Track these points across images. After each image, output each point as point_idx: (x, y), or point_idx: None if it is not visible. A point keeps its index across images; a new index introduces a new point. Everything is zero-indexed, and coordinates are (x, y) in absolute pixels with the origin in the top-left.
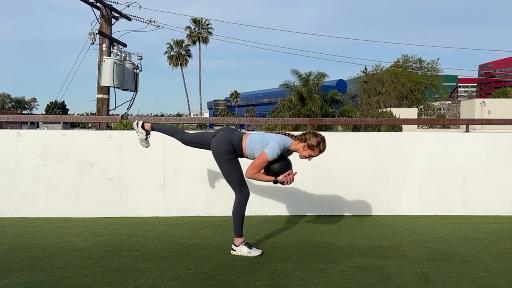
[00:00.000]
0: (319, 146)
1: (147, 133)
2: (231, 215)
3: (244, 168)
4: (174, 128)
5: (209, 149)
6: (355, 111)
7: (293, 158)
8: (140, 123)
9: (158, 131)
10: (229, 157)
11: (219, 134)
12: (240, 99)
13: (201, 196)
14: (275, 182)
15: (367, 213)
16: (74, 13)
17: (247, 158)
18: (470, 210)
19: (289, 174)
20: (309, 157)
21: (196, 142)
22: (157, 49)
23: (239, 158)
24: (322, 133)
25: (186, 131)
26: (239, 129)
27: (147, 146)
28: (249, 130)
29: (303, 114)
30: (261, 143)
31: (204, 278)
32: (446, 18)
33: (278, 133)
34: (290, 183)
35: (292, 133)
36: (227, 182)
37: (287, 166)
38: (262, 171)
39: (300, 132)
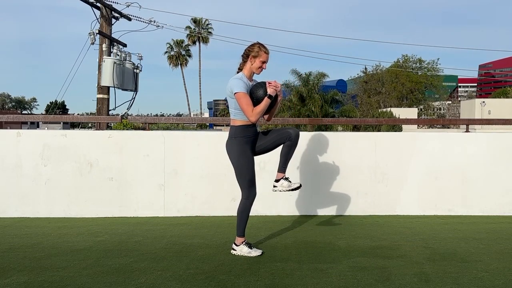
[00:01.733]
0: (261, 49)
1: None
2: (232, 215)
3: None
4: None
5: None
6: (355, 111)
7: (293, 159)
8: (274, 183)
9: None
10: (241, 148)
11: (226, 143)
12: None
13: (201, 196)
14: (270, 97)
15: (367, 213)
16: (74, 13)
17: (248, 122)
18: (470, 210)
19: (270, 83)
20: (262, 64)
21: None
22: (157, 49)
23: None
24: (324, 137)
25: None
26: None
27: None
28: None
29: (303, 114)
30: (231, 98)
31: (204, 278)
32: (446, 18)
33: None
34: (278, 86)
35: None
36: (237, 180)
37: (262, 83)
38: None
39: (300, 134)
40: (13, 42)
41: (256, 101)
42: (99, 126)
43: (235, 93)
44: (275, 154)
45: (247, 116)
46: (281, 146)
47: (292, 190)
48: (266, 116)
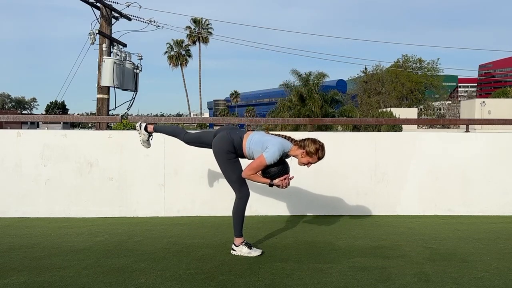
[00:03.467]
0: (318, 153)
1: (150, 134)
2: (231, 215)
3: (243, 167)
4: (176, 128)
5: (211, 148)
6: (355, 111)
7: (291, 160)
8: (143, 125)
9: (160, 132)
10: (229, 157)
11: (220, 134)
12: (240, 99)
13: (201, 196)
14: (271, 185)
15: (367, 213)
16: (74, 13)
17: (247, 158)
18: (470, 210)
19: (285, 179)
20: (308, 163)
21: (198, 141)
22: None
23: (240, 158)
24: (324, 137)
25: (188, 131)
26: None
27: (148, 147)
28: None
29: (303, 114)
30: (260, 146)
31: (204, 278)
32: (446, 18)
33: (278, 135)
34: (286, 187)
35: (292, 136)
36: (227, 181)
37: (285, 170)
38: (259, 173)
39: (301, 134)
40: (13, 42)
41: (263, 170)
42: (99, 126)
43: (263, 153)
44: None
45: (245, 169)
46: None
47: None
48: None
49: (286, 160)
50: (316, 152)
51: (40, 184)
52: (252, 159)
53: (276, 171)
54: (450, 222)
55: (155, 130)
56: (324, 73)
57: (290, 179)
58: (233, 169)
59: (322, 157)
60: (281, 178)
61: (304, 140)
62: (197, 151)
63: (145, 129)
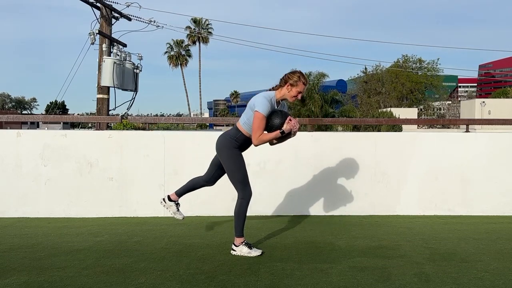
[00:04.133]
0: (301, 79)
1: (176, 203)
2: (231, 215)
3: (246, 170)
4: (193, 179)
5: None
6: (355, 111)
7: (293, 159)
8: (166, 197)
9: (184, 192)
10: (232, 151)
11: (218, 139)
12: (240, 99)
13: (201, 196)
14: (282, 134)
15: (367, 213)
16: (74, 13)
17: (248, 135)
18: (470, 210)
19: (290, 120)
20: (298, 94)
21: (213, 171)
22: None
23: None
24: (324, 137)
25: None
26: None
27: (183, 217)
28: None
29: (303, 114)
30: (250, 110)
31: (204, 278)
32: (446, 18)
33: None
34: (296, 128)
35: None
36: (230, 181)
37: (285, 114)
38: (266, 132)
39: (301, 134)
40: (13, 42)
41: (269, 127)
42: (99, 126)
43: (255, 110)
44: (275, 154)
45: (252, 137)
46: (283, 145)
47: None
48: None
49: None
50: (299, 79)
51: (40, 184)
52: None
53: (279, 120)
54: (450, 222)
55: (179, 194)
56: (324, 73)
57: (295, 119)
58: (238, 167)
59: (306, 82)
60: (287, 121)
61: (282, 78)
62: (197, 151)
63: (169, 199)
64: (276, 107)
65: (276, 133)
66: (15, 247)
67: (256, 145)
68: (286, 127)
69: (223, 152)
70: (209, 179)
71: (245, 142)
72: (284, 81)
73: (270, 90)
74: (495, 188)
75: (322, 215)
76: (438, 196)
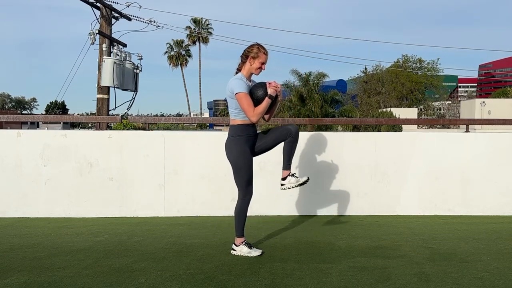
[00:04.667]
0: (260, 50)
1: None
2: (232, 215)
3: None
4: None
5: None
6: (355, 111)
7: (293, 158)
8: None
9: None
10: (240, 148)
11: (225, 145)
12: None
13: (201, 196)
14: (271, 98)
15: (367, 213)
16: (74, 13)
17: (248, 122)
18: (470, 210)
19: (270, 83)
20: (261, 65)
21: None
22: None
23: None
24: (324, 137)
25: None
26: None
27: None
28: None
29: (303, 114)
30: (231, 98)
31: (204, 278)
32: (446, 18)
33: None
34: (279, 87)
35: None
36: (235, 179)
37: (262, 84)
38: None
39: (301, 134)
40: (13, 42)
41: (256, 102)
42: (99, 126)
43: (236, 93)
44: (274, 154)
45: (248, 116)
46: (281, 145)
47: (301, 184)
48: (266, 116)
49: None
50: (258, 50)
51: (40, 184)
52: (244, 116)
53: (261, 91)
54: (450, 222)
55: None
56: (324, 73)
57: (272, 83)
58: (245, 166)
59: (267, 52)
60: (268, 87)
61: (241, 55)
62: (197, 151)
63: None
64: (250, 85)
65: (266, 100)
66: (15, 247)
67: (256, 121)
68: (270, 91)
69: (231, 152)
70: (246, 194)
71: (247, 131)
72: (245, 56)
73: (235, 74)
74: (495, 188)
75: (322, 215)
76: (438, 196)
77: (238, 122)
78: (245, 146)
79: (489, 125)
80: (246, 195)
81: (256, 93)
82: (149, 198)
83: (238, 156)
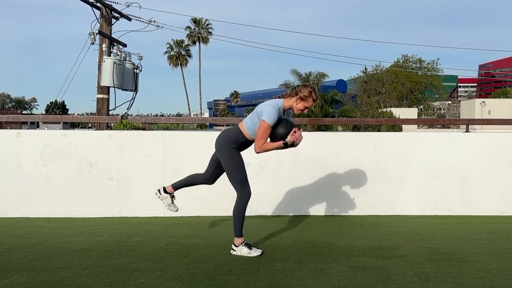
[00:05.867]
0: (312, 95)
1: (171, 195)
2: (231, 215)
3: (246, 168)
4: (192, 175)
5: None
6: (355, 111)
7: (293, 159)
8: (161, 188)
9: (181, 186)
10: (231, 152)
11: (218, 137)
12: (240, 99)
13: (201, 196)
14: (285, 145)
15: (367, 213)
16: (74, 13)
17: (252, 141)
18: (470, 210)
19: (295, 132)
20: (304, 109)
21: (212, 169)
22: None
23: (243, 159)
24: (324, 137)
25: (200, 173)
26: None
27: (177, 210)
28: None
29: (303, 114)
30: (256, 116)
31: (204, 278)
32: (446, 18)
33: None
34: (300, 140)
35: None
36: (229, 181)
37: (290, 125)
38: (269, 140)
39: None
40: (13, 42)
41: (272, 135)
42: (99, 126)
43: (262, 119)
44: (274, 154)
45: (255, 144)
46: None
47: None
48: (257, 146)
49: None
50: (310, 94)
51: (40, 184)
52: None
53: (283, 130)
54: (450, 222)
55: (175, 188)
56: (324, 73)
57: (300, 131)
58: (237, 167)
59: (316, 98)
60: (291, 133)
61: (294, 88)
62: (197, 151)
63: (165, 191)
64: (282, 115)
65: (279, 143)
66: (15, 247)
67: (257, 153)
68: (289, 138)
69: (222, 152)
70: (208, 177)
71: (245, 144)
72: (295, 92)
73: (279, 97)
74: (495, 188)
75: (322, 215)
76: (438, 196)
77: (245, 134)
78: (236, 151)
79: (489, 125)
80: (243, 195)
81: (278, 129)
82: (149, 198)
83: (228, 159)
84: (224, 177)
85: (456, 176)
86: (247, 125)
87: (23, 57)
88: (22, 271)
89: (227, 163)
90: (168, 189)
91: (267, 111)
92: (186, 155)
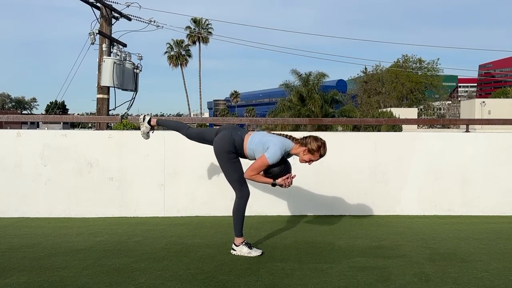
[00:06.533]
0: (319, 151)
1: (152, 128)
2: (231, 215)
3: (244, 168)
4: (179, 123)
5: (211, 144)
6: (355, 111)
7: (293, 160)
8: (148, 118)
9: (163, 125)
10: (230, 156)
11: (221, 133)
12: (240, 99)
13: (201, 196)
14: (273, 184)
15: (367, 213)
16: (74, 13)
17: (248, 158)
18: (470, 210)
19: (288, 178)
20: (309, 161)
21: (199, 137)
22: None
23: (240, 158)
24: (324, 137)
25: (190, 126)
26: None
27: (147, 139)
28: (249, 130)
29: (303, 114)
30: (261, 146)
31: (204, 278)
32: (446, 18)
33: (280, 134)
34: (288, 186)
35: (293, 135)
36: (227, 181)
37: (287, 169)
38: (262, 173)
39: (301, 134)
40: (13, 42)
41: (265, 169)
42: (99, 126)
43: (265, 154)
44: None
45: (247, 171)
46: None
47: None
48: (249, 172)
49: (288, 159)
50: (318, 149)
51: (40, 184)
52: (254, 159)
53: (278, 170)
54: (450, 222)
55: (158, 124)
56: (324, 73)
57: (293, 177)
58: (234, 169)
59: (324, 154)
60: (284, 178)
61: (306, 137)
62: (197, 151)
63: (149, 122)
64: (285, 156)
65: (269, 181)
66: (15, 247)
67: (245, 178)
68: (279, 181)
69: (221, 155)
70: (190, 137)
71: (242, 154)
72: (305, 144)
73: (290, 138)
74: (495, 188)
75: (322, 215)
76: (438, 196)
77: (244, 150)
78: (234, 155)
79: (489, 125)
80: (242, 194)
81: (274, 167)
82: (149, 198)
83: (226, 160)
84: (222, 177)
85: (456, 176)
86: (251, 145)
87: (23, 57)
88: (22, 271)
89: (224, 165)
90: (152, 122)
91: (273, 151)
92: (186, 155)
